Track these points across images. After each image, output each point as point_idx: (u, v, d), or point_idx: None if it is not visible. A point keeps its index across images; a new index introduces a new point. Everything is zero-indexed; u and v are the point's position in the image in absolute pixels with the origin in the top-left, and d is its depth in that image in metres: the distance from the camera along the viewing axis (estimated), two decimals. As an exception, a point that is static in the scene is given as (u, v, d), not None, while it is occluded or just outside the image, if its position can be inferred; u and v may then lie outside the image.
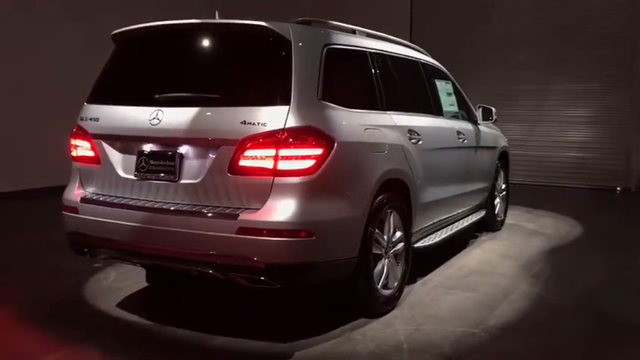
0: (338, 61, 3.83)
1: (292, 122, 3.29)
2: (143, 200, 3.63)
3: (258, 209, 3.31)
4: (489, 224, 6.52)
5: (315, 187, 3.34)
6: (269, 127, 3.28)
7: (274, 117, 3.30)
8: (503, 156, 6.78)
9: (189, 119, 3.47)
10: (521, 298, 4.41)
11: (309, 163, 3.31)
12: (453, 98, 5.76)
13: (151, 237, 3.54)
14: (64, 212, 3.96)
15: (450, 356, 3.38)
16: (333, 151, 3.41)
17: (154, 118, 3.54)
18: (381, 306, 3.96)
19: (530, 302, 4.32)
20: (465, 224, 5.64)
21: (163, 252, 3.54)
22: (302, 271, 3.39)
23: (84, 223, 3.80)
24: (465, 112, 5.92)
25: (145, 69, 3.95)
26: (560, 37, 10.14)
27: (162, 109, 3.54)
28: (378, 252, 3.93)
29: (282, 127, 3.28)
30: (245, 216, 3.29)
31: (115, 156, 3.76)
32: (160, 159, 3.59)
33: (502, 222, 6.89)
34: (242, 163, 3.33)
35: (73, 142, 3.99)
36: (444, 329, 3.80)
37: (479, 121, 6.00)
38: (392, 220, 4.07)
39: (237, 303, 4.33)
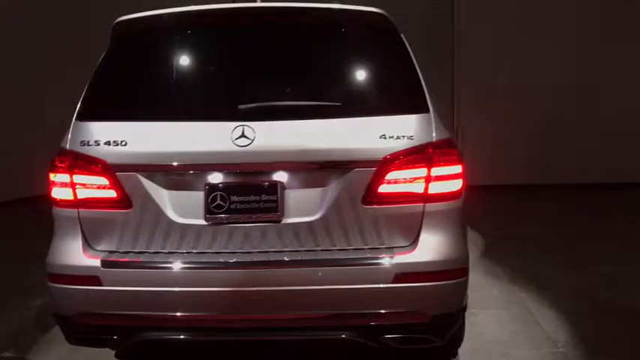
0: None
1: (439, 134, 2.64)
2: (222, 253, 2.58)
3: (410, 246, 2.58)
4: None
5: (461, 213, 2.73)
6: (417, 141, 2.57)
7: (419, 127, 2.61)
8: None
9: (300, 136, 2.56)
10: (539, 307, 4.26)
11: (457, 185, 2.68)
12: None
13: (250, 303, 2.54)
14: (61, 286, 2.63)
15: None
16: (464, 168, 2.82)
17: (241, 137, 2.53)
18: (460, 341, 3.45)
19: (555, 311, 4.17)
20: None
21: (270, 321, 2.56)
22: (457, 319, 2.74)
23: (113, 298, 2.57)
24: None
25: (203, 68, 2.83)
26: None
27: (251, 123, 2.55)
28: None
29: (432, 139, 2.60)
30: (401, 258, 2.52)
31: (161, 194, 2.61)
32: (250, 193, 2.58)
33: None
34: (383, 188, 2.56)
35: (61, 178, 2.68)
36: (531, 353, 3.48)
37: None
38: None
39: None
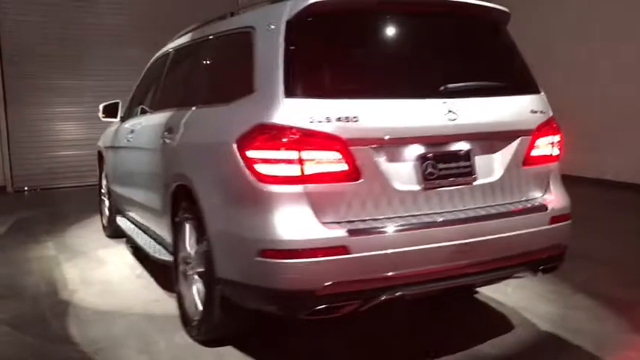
0: None
1: (550, 110, 3.44)
2: (432, 214, 2.98)
3: (545, 196, 3.34)
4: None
5: None
6: (547, 115, 3.35)
7: (545, 104, 3.39)
8: None
9: (487, 111, 3.12)
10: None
11: (558, 148, 3.50)
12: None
13: (460, 254, 2.97)
14: (302, 260, 2.70)
15: None
16: None
17: (449, 112, 2.96)
18: None
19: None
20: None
21: (475, 266, 3.04)
22: None
23: (359, 264, 2.75)
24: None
25: (407, 51, 3.12)
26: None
27: (453, 100, 3.00)
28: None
29: (551, 113, 3.40)
30: (551, 205, 3.27)
31: (385, 165, 2.87)
32: (452, 161, 3.03)
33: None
34: (533, 152, 3.28)
35: (284, 155, 2.73)
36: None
37: None
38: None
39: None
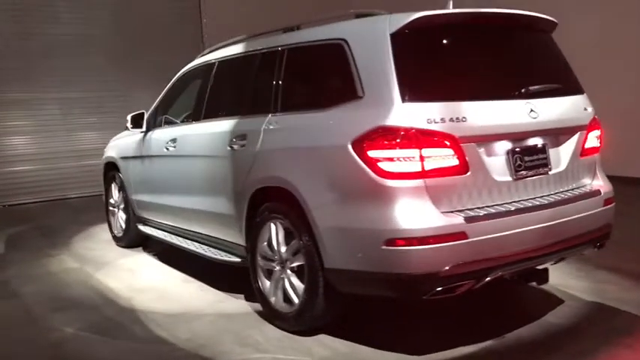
0: None
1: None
2: (521, 201, 3.41)
3: (594, 182, 3.85)
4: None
5: None
6: (592, 112, 3.87)
7: (589, 102, 3.90)
8: None
9: (556, 110, 3.59)
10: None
11: (600, 141, 4.00)
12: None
13: (547, 234, 3.41)
14: (428, 247, 3.05)
15: None
16: None
17: (532, 112, 3.41)
18: None
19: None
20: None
21: (549, 248, 3.47)
22: None
23: (474, 248, 3.13)
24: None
25: (494, 57, 3.56)
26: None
27: (532, 101, 3.45)
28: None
29: (594, 110, 3.92)
30: (603, 189, 3.79)
31: (485, 159, 3.28)
32: (534, 154, 3.48)
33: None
34: (587, 145, 3.78)
35: (405, 153, 3.08)
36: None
37: None
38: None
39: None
